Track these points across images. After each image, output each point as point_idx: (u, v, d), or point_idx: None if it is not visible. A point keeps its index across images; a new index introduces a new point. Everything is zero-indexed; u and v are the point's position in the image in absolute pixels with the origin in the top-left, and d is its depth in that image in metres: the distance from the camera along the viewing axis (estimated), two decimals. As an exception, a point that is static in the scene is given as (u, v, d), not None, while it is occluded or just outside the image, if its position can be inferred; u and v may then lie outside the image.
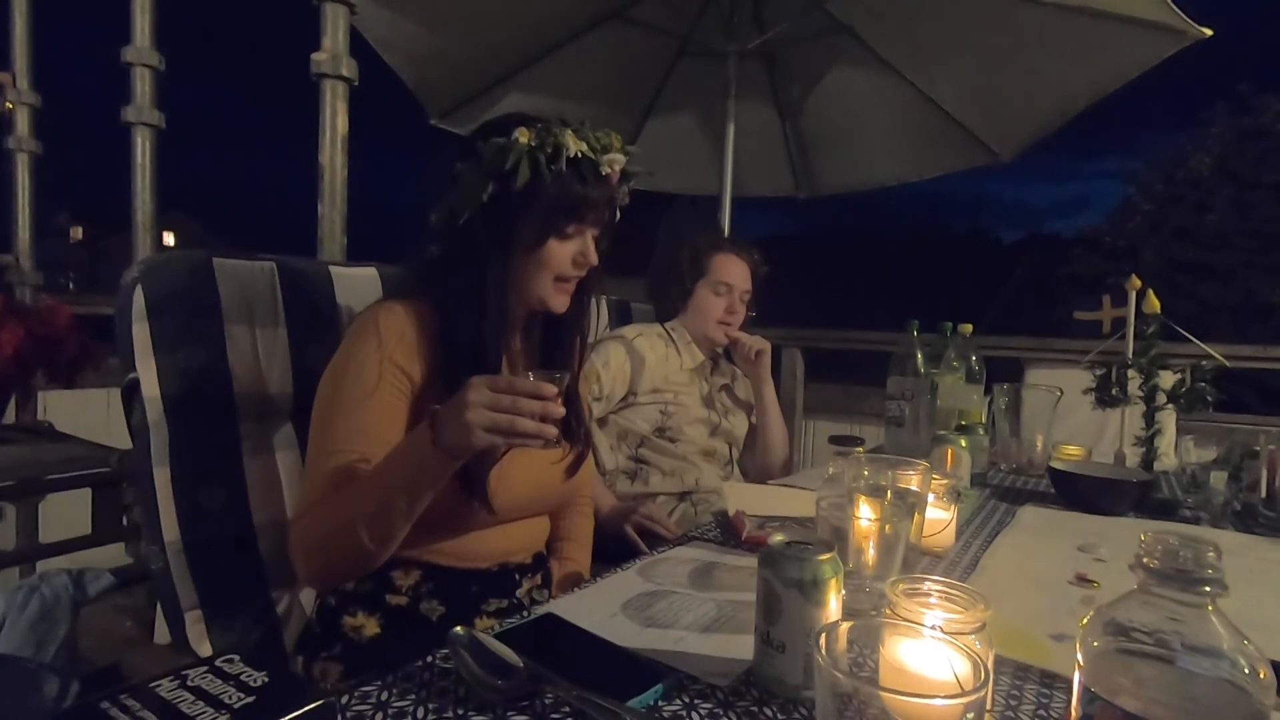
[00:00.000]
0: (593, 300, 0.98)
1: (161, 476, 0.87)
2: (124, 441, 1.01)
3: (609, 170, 0.86)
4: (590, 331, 1.02)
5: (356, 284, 1.08)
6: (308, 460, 0.82)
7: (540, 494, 0.94)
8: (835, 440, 0.93)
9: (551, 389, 0.70)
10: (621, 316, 1.80)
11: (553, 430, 0.70)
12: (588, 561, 1.08)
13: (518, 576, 0.93)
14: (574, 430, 0.94)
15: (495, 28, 2.58)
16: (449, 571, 0.87)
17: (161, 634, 0.92)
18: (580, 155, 0.83)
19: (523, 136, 0.81)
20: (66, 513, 1.79)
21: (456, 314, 0.85)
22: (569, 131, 0.83)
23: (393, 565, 0.84)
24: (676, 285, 1.65)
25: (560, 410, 0.70)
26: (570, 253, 0.88)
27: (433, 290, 0.88)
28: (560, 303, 0.91)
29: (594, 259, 0.90)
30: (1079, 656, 0.41)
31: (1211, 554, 0.38)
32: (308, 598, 0.96)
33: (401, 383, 0.82)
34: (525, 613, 0.68)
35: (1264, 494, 1.12)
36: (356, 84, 1.60)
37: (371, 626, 0.84)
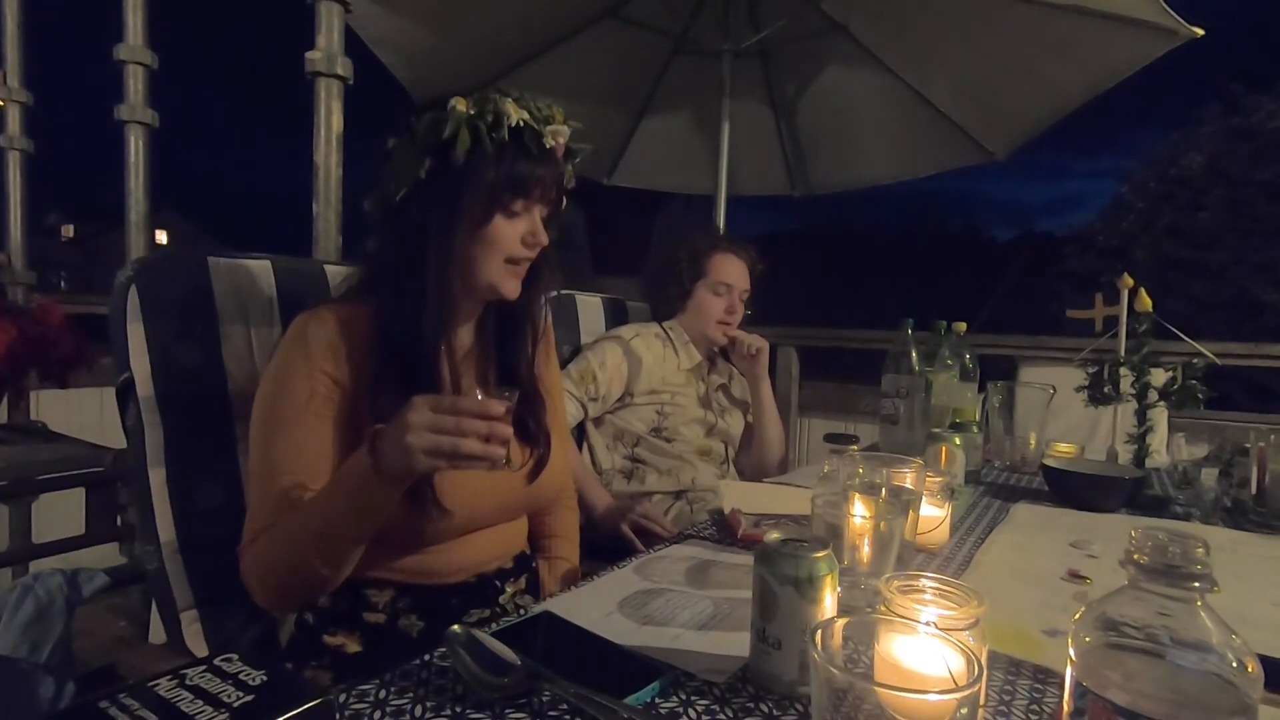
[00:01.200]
0: (544, 290, 0.93)
1: (157, 477, 0.87)
2: (118, 441, 1.01)
3: (553, 143, 0.82)
4: (544, 320, 0.97)
5: (352, 283, 1.08)
6: (249, 481, 0.78)
7: (501, 503, 0.89)
8: (830, 438, 0.93)
9: (499, 407, 0.66)
10: (617, 315, 1.80)
11: (500, 451, 0.66)
12: (577, 556, 1.06)
13: (499, 583, 0.90)
14: (532, 434, 0.90)
15: (490, 26, 2.57)
16: (422, 588, 0.84)
17: (156, 634, 0.92)
18: (522, 125, 0.79)
19: (460, 104, 0.77)
20: (60, 513, 1.79)
21: (394, 306, 0.80)
22: (509, 100, 0.79)
23: (365, 583, 0.81)
24: (675, 285, 1.65)
25: (508, 431, 0.67)
26: (519, 232, 0.83)
27: (371, 287, 0.83)
28: (513, 287, 0.85)
29: (544, 238, 0.85)
30: (1071, 651, 0.41)
31: (1200, 550, 0.38)
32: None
33: (334, 393, 0.78)
34: (522, 611, 0.68)
35: (1254, 490, 1.13)
36: (351, 83, 1.60)
37: (352, 645, 0.81)
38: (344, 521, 0.70)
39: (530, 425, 0.90)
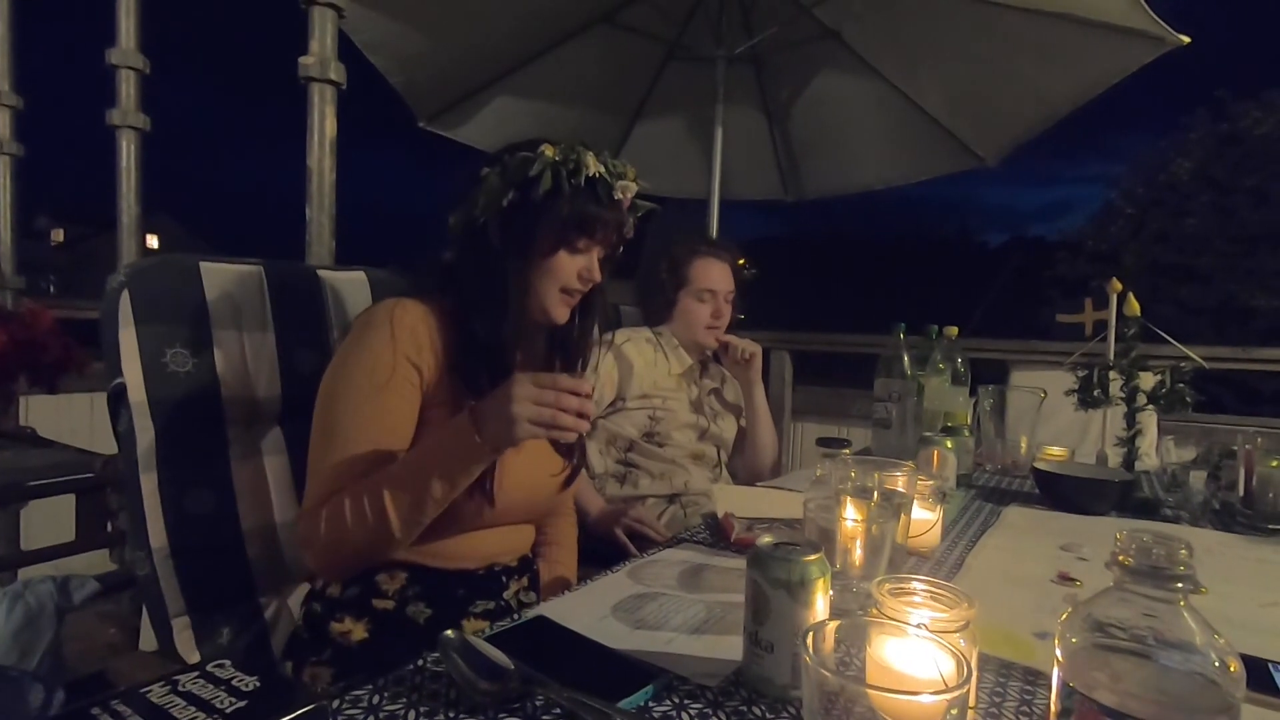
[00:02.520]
0: (593, 321, 1.02)
1: (148, 482, 0.87)
2: (107, 446, 1.00)
3: (621, 195, 0.92)
4: (593, 355, 1.07)
5: (345, 287, 1.08)
6: (315, 450, 0.83)
7: (532, 500, 0.97)
8: (823, 442, 0.94)
9: (587, 385, 0.75)
10: (611, 320, 1.81)
11: (586, 425, 0.75)
12: (574, 565, 1.10)
13: (505, 578, 0.94)
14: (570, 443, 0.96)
15: (483, 31, 2.58)
16: (436, 573, 0.88)
17: (147, 640, 0.91)
18: (598, 175, 0.89)
19: (548, 150, 0.87)
20: (49, 519, 1.77)
21: (476, 314, 0.89)
22: (590, 153, 0.89)
23: (379, 569, 0.86)
24: (660, 295, 1.65)
25: (593, 406, 0.76)
26: (578, 267, 0.93)
27: (448, 291, 0.92)
28: (562, 314, 0.95)
29: (598, 276, 0.95)
30: (1058, 652, 0.42)
31: (1184, 552, 0.39)
32: (295, 602, 0.95)
33: (413, 376, 0.85)
34: (516, 615, 0.68)
35: (1241, 493, 1.14)
36: (344, 88, 1.60)
37: (359, 631, 0.84)
38: (436, 484, 0.76)
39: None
